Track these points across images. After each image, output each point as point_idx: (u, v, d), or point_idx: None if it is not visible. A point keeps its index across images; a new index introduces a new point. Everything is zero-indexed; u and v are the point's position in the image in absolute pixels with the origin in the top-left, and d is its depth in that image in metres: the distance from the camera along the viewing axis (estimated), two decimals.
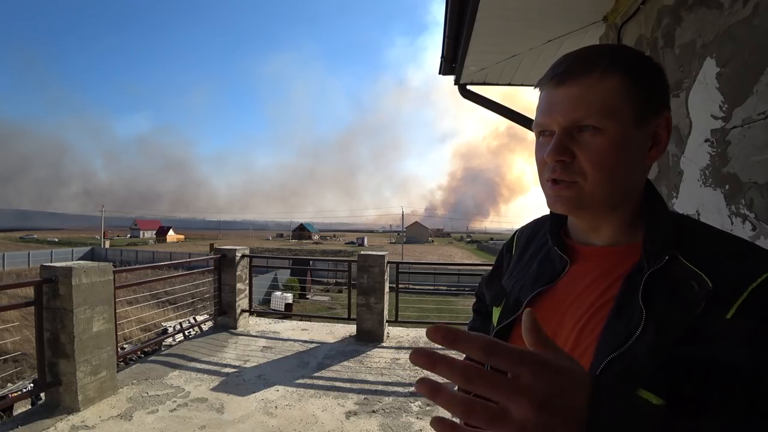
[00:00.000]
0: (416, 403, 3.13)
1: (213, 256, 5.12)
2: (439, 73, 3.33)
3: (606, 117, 0.52)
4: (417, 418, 2.93)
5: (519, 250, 0.74)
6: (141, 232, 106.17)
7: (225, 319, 4.98)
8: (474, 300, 0.90)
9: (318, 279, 26.60)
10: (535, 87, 0.60)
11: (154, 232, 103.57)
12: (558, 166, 0.55)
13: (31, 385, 7.20)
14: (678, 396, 0.44)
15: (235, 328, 4.93)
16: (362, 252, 5.00)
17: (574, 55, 0.56)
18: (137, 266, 7.65)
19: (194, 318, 10.22)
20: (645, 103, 0.53)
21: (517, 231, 0.80)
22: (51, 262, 3.29)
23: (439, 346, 0.34)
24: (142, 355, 5.26)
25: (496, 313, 0.69)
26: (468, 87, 3.42)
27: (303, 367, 3.84)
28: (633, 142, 0.53)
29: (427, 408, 3.06)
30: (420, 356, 0.34)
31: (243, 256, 5.10)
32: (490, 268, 0.83)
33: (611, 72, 0.53)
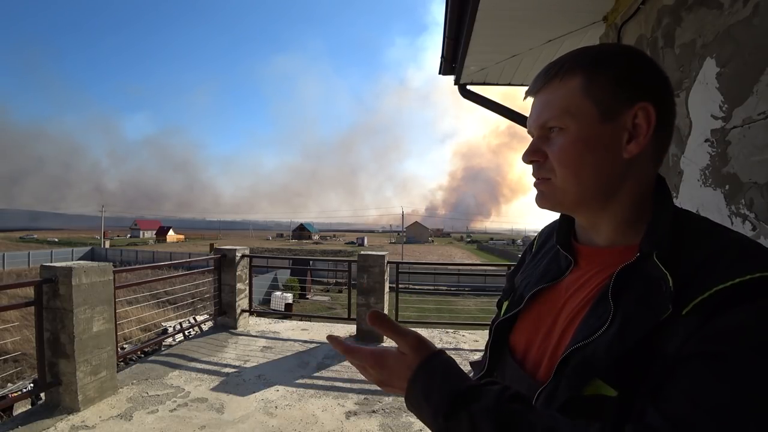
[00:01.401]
0: None
1: (213, 256, 5.12)
2: (439, 73, 3.33)
3: (566, 116, 0.55)
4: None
5: (536, 249, 0.76)
6: (141, 232, 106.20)
7: (225, 319, 4.98)
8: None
9: (318, 279, 26.62)
10: (524, 98, 0.64)
11: (154, 232, 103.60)
12: (534, 166, 0.60)
13: (31, 385, 7.20)
14: (632, 389, 0.45)
15: (235, 328, 4.93)
16: (362, 252, 5.00)
17: (548, 64, 0.59)
18: (137, 266, 7.64)
19: (194, 318, 10.22)
20: (610, 97, 0.53)
21: (541, 230, 0.83)
22: (51, 262, 3.29)
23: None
24: (142, 355, 5.27)
25: (504, 306, 0.72)
26: (468, 87, 3.43)
27: (303, 367, 3.84)
28: (599, 137, 0.54)
29: None
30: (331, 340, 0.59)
31: (243, 256, 5.10)
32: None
33: (571, 72, 0.55)
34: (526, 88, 0.64)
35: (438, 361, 0.53)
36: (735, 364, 0.39)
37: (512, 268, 0.84)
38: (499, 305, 0.77)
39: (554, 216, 0.69)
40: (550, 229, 0.75)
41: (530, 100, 0.63)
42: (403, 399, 0.54)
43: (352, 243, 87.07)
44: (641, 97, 0.53)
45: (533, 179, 0.62)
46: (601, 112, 0.53)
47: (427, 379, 0.51)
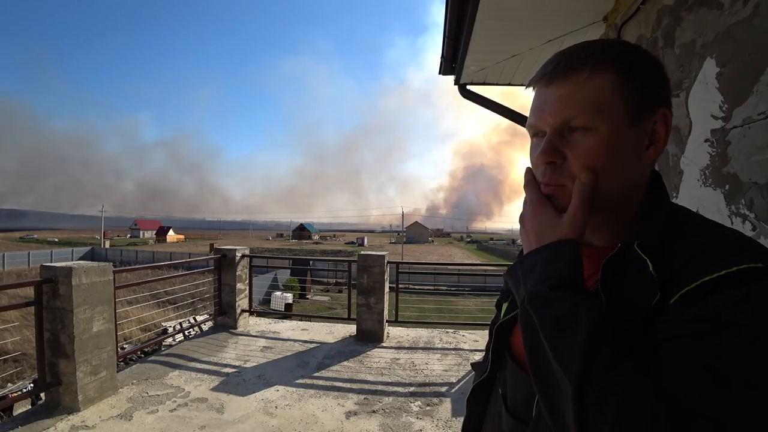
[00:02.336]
0: (416, 403, 3.13)
1: (213, 256, 5.12)
2: (439, 73, 3.33)
3: (596, 116, 0.50)
4: (417, 418, 2.93)
5: None
6: (141, 232, 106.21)
7: (225, 319, 4.98)
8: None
9: (318, 279, 26.62)
10: (526, 87, 0.59)
11: (154, 232, 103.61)
12: (548, 169, 0.54)
13: (31, 385, 7.19)
14: None
15: (235, 328, 4.92)
16: (362, 252, 4.99)
17: (564, 53, 0.54)
18: (137, 266, 7.64)
19: (194, 318, 10.22)
20: (639, 100, 0.51)
21: None
22: (51, 262, 3.29)
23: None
24: (142, 355, 5.27)
25: (504, 307, 0.71)
26: (468, 87, 3.43)
27: (303, 367, 3.84)
28: (627, 141, 0.51)
29: (427, 408, 3.06)
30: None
31: (243, 256, 5.10)
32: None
33: (602, 68, 0.51)
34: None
35: (578, 251, 0.50)
36: (707, 342, 0.40)
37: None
38: (498, 306, 0.75)
39: None
40: None
41: (530, 93, 0.58)
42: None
43: (352, 243, 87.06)
44: (662, 102, 0.53)
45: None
46: (629, 115, 0.51)
47: (561, 252, 0.49)
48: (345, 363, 3.99)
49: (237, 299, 4.95)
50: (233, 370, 3.72)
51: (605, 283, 0.51)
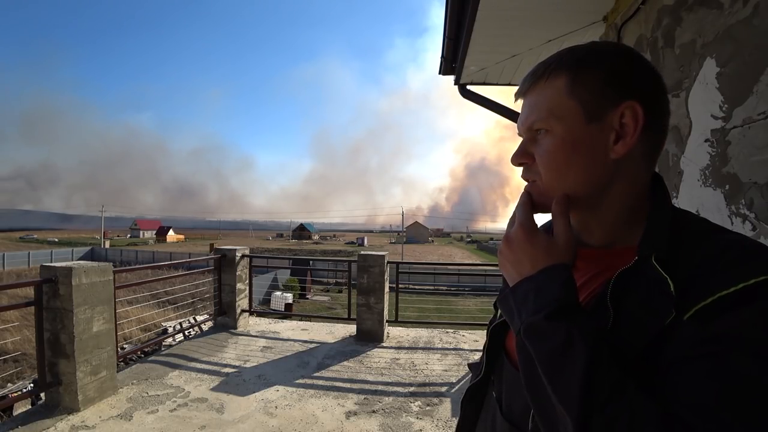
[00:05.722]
0: (416, 403, 3.13)
1: (213, 256, 5.12)
2: (439, 73, 3.33)
3: (551, 118, 0.54)
4: (417, 418, 2.93)
5: None
6: (141, 232, 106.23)
7: (225, 319, 4.98)
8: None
9: (318, 279, 26.61)
10: (515, 100, 0.64)
11: (154, 232, 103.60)
12: (523, 169, 0.60)
13: (31, 385, 7.20)
14: None
15: (235, 328, 4.93)
16: (362, 252, 5.00)
17: (537, 64, 0.59)
18: (137, 266, 7.64)
19: (194, 318, 10.23)
20: (598, 97, 0.52)
21: None
22: (51, 262, 3.29)
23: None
24: (142, 355, 5.27)
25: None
26: (468, 87, 3.43)
27: (303, 367, 3.84)
28: (585, 138, 0.53)
29: (427, 408, 3.06)
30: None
31: (243, 256, 5.10)
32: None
33: (556, 73, 0.55)
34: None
35: (570, 272, 0.51)
36: (725, 364, 0.39)
37: None
38: (496, 306, 0.75)
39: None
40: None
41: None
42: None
43: (352, 243, 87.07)
44: (628, 95, 0.52)
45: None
46: (587, 112, 0.53)
47: (554, 276, 0.50)
48: (345, 363, 3.99)
49: (237, 299, 4.95)
50: (233, 370, 3.72)
51: (615, 296, 0.50)
